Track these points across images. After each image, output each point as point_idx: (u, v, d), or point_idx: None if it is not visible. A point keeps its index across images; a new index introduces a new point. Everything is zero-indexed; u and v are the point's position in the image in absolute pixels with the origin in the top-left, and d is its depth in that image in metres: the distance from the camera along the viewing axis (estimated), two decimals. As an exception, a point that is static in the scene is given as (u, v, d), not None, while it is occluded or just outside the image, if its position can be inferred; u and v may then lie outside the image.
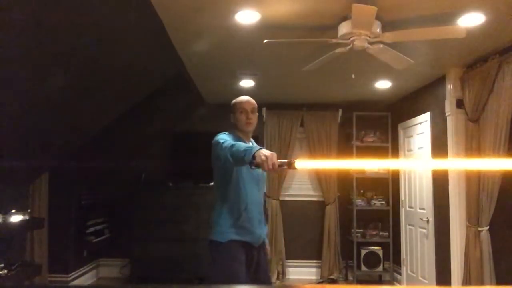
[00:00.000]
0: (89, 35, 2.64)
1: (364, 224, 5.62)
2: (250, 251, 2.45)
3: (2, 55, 2.29)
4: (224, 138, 2.40)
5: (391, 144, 5.60)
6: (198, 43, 3.42)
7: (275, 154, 1.92)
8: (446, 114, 4.16)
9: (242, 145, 2.18)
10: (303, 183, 5.89)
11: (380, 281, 5.53)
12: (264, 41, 3.04)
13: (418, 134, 4.97)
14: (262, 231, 2.56)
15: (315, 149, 5.68)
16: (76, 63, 2.85)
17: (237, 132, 2.57)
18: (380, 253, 5.42)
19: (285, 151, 5.62)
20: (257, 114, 2.62)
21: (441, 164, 3.44)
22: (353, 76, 3.85)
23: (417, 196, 4.94)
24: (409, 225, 5.18)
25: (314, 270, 5.72)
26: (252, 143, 2.59)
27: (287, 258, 5.67)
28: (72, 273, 4.80)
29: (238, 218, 2.43)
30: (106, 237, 5.44)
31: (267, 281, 2.66)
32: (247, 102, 2.57)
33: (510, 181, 3.43)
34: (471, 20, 2.88)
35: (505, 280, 3.49)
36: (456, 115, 4.04)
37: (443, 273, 4.23)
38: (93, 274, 5.40)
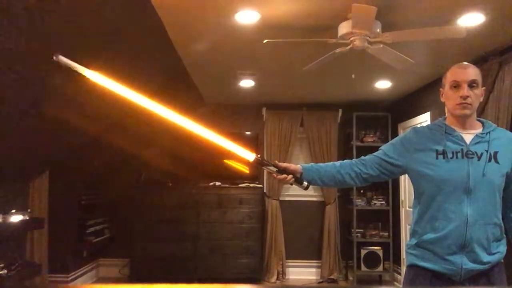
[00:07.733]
0: (89, 35, 2.64)
1: (364, 224, 5.62)
2: (443, 285, 1.68)
3: (2, 53, 2.29)
4: (385, 146, 1.86)
5: (391, 144, 5.59)
6: (198, 43, 3.42)
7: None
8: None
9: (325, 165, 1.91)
10: (303, 183, 5.88)
11: (380, 281, 5.53)
12: (264, 41, 3.04)
13: (418, 134, 4.96)
14: (473, 259, 1.64)
15: (315, 149, 5.68)
16: (75, 62, 2.84)
17: (448, 117, 1.80)
18: (380, 253, 5.42)
19: (285, 151, 5.63)
20: (482, 88, 1.74)
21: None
22: (353, 76, 3.86)
23: (417, 196, 4.92)
24: (409, 225, 5.16)
25: (314, 270, 5.72)
26: (479, 136, 1.73)
27: (287, 258, 5.67)
28: (72, 273, 4.80)
29: (421, 236, 1.74)
30: (106, 237, 5.44)
31: None
32: (463, 70, 1.73)
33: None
34: (471, 20, 2.88)
35: (505, 280, 3.48)
36: (456, 115, 4.03)
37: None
38: (93, 274, 5.40)
